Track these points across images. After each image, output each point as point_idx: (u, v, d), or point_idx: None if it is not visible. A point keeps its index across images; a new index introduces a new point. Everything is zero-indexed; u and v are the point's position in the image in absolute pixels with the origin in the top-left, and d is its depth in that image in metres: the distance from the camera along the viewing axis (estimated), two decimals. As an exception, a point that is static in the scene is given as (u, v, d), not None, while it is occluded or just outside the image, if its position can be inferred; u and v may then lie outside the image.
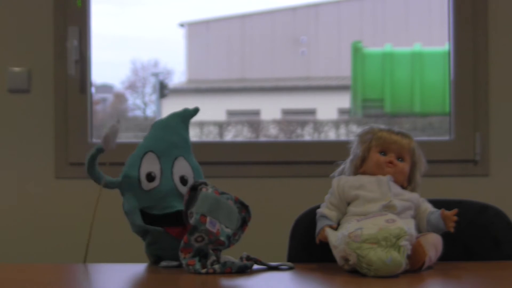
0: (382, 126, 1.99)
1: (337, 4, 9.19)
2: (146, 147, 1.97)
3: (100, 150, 1.93)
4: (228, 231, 1.79)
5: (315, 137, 7.91)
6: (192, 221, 1.76)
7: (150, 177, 1.93)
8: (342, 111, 8.81)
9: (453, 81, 3.10)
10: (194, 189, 1.83)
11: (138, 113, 9.62)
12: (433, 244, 1.82)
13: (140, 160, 1.95)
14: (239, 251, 1.86)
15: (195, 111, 2.04)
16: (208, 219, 1.76)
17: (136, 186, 1.93)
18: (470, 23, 3.07)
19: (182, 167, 1.95)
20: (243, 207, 1.84)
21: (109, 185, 1.96)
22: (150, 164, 1.94)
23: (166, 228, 1.89)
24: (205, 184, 1.83)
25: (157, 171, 1.93)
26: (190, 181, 1.93)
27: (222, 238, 1.77)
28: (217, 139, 7.68)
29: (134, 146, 2.02)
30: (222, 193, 1.82)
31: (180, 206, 1.88)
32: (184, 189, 1.91)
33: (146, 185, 1.92)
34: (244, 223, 1.84)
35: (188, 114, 2.03)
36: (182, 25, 9.50)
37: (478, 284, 1.74)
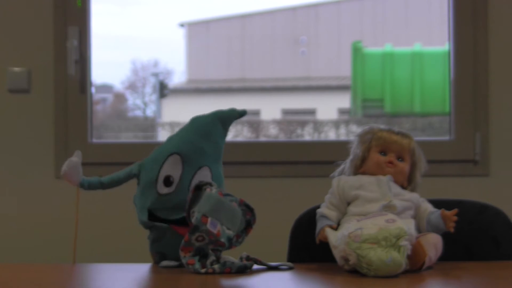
0: (382, 126, 1.99)
1: (337, 4, 9.19)
2: (175, 147, 1.92)
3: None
4: (230, 232, 1.79)
5: (315, 137, 7.91)
6: (193, 220, 1.76)
7: (167, 181, 1.90)
8: (342, 111, 8.81)
9: (453, 81, 3.10)
10: (199, 189, 1.82)
11: (138, 113, 9.61)
12: (433, 244, 1.82)
13: (165, 158, 1.91)
14: (239, 251, 1.86)
15: (241, 114, 1.96)
16: (209, 219, 1.76)
17: (151, 186, 1.91)
18: (470, 23, 3.07)
19: (203, 178, 1.90)
20: (248, 210, 1.83)
21: (128, 177, 1.94)
22: (172, 168, 1.90)
23: (171, 226, 1.89)
24: (210, 184, 1.83)
25: (177, 177, 1.90)
26: None
27: (223, 240, 1.77)
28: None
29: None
30: (227, 194, 1.81)
31: None
32: None
33: (161, 189, 1.90)
34: (248, 226, 1.84)
35: (231, 117, 1.95)
36: (182, 25, 9.49)
37: (478, 284, 1.74)
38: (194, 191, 1.82)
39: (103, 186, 1.95)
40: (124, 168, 1.98)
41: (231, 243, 1.79)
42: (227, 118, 1.96)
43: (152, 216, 1.91)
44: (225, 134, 1.96)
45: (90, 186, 1.95)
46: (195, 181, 1.89)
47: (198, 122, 1.94)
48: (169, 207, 1.90)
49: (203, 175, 1.92)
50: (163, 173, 1.91)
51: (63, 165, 1.93)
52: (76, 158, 1.93)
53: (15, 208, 3.13)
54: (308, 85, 9.16)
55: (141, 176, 1.93)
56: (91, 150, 3.12)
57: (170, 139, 1.95)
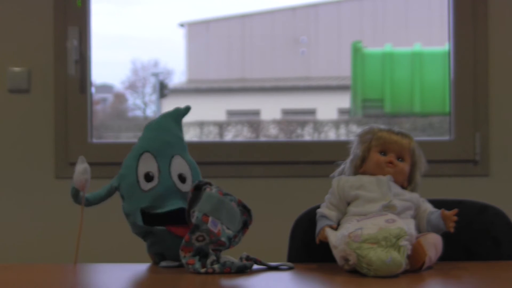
0: (382, 126, 1.99)
1: (337, 4, 9.19)
2: (141, 148, 1.96)
3: (77, 192, 1.92)
4: (229, 232, 1.79)
5: (315, 137, 7.91)
6: (194, 220, 1.76)
7: (148, 177, 1.92)
8: (342, 111, 8.81)
9: (453, 81, 3.11)
10: (198, 189, 1.83)
11: (138, 113, 9.61)
12: (433, 244, 1.82)
13: (137, 161, 1.94)
14: (239, 251, 1.86)
15: (186, 110, 2.03)
16: (210, 218, 1.76)
17: (135, 187, 1.92)
18: (470, 23, 3.07)
19: (179, 165, 1.95)
20: (245, 210, 1.84)
21: (110, 193, 1.95)
22: (147, 164, 1.93)
23: (168, 227, 1.89)
24: (210, 184, 1.83)
25: (155, 170, 1.93)
26: (189, 179, 1.93)
27: (223, 239, 1.77)
28: (217, 139, 7.68)
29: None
30: (226, 194, 1.82)
31: (181, 203, 1.88)
32: (183, 187, 1.91)
33: (145, 185, 1.92)
34: (245, 226, 1.84)
35: (179, 114, 2.02)
36: (182, 25, 9.50)
37: (478, 284, 1.74)
38: (193, 190, 1.82)
39: (88, 202, 1.95)
40: (119, 170, 1.98)
41: (230, 242, 1.80)
42: (176, 115, 2.02)
43: (148, 217, 1.91)
44: (180, 129, 2.01)
45: (78, 201, 1.94)
46: (173, 169, 1.93)
47: (152, 124, 2.00)
48: (160, 199, 1.91)
49: (178, 162, 1.95)
50: (141, 172, 1.93)
51: (79, 173, 1.91)
52: (87, 165, 1.94)
53: (15, 208, 3.13)
54: (308, 85, 9.16)
55: (121, 187, 1.95)
56: (91, 150, 3.12)
57: (134, 148, 1.98)
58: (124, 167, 1.96)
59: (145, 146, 1.96)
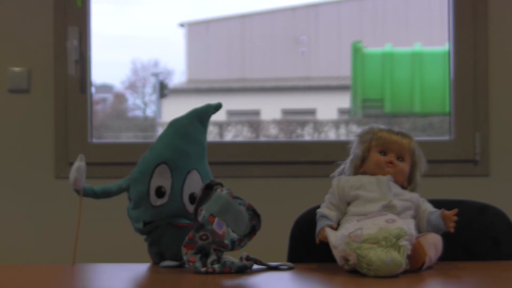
0: (382, 126, 1.99)
1: (337, 4, 9.19)
2: (160, 156, 1.90)
3: (77, 191, 1.92)
4: (234, 235, 1.79)
5: (315, 137, 7.91)
6: (200, 218, 1.76)
7: (159, 193, 1.89)
8: (342, 111, 8.81)
9: (453, 81, 3.11)
10: (209, 188, 1.82)
11: (138, 113, 9.61)
12: (433, 244, 1.82)
13: (152, 170, 1.90)
14: (239, 251, 1.86)
15: (217, 107, 1.96)
16: (216, 219, 1.76)
17: (144, 198, 1.90)
18: (470, 23, 3.07)
19: (193, 183, 1.90)
20: (255, 216, 1.83)
21: (118, 192, 1.94)
22: (162, 178, 1.89)
23: (171, 223, 1.88)
24: (221, 185, 1.83)
25: (168, 186, 1.89)
26: None
27: (226, 241, 1.77)
28: (217, 139, 7.68)
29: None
30: (236, 197, 1.81)
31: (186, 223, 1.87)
32: (192, 208, 1.88)
33: (155, 201, 1.89)
34: (253, 231, 1.83)
35: (208, 112, 1.95)
36: (182, 25, 9.49)
37: (478, 284, 1.74)
38: (204, 189, 1.82)
39: (95, 195, 1.94)
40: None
41: (234, 245, 1.79)
42: (203, 114, 1.95)
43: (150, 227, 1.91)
44: (205, 131, 1.96)
45: (84, 193, 1.95)
46: (186, 188, 1.90)
47: (176, 125, 1.94)
48: (165, 217, 1.89)
49: (193, 179, 1.91)
50: (153, 185, 1.90)
51: (71, 171, 1.91)
52: (83, 163, 1.92)
53: (15, 208, 3.13)
54: (308, 85, 9.16)
55: (131, 191, 1.92)
56: (91, 150, 3.12)
57: (152, 148, 1.94)
58: (138, 171, 1.92)
59: (164, 155, 1.90)
